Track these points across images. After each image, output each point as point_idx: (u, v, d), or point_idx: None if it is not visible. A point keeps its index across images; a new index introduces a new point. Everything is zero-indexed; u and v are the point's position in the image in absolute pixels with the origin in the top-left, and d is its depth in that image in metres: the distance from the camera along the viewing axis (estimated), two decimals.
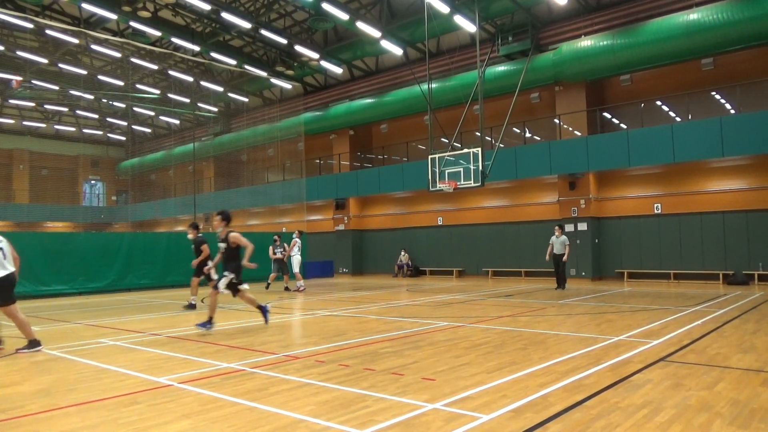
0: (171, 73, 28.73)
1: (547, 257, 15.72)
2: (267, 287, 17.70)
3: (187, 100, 32.31)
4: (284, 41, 24.17)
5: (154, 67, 28.44)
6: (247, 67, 26.52)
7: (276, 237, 17.85)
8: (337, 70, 26.25)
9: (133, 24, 22.31)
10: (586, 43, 19.30)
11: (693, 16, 17.02)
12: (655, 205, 19.35)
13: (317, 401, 4.72)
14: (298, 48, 24.32)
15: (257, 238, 22.81)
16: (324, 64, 25.37)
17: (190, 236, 12.16)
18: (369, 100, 26.07)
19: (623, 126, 21.06)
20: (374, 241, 27.27)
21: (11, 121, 37.80)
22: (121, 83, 30.47)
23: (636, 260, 19.63)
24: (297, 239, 17.63)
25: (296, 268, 17.64)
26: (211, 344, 7.76)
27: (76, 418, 4.43)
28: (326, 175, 28.84)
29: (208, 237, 13.35)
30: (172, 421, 4.27)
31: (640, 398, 4.66)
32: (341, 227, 27.56)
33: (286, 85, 28.69)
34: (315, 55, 24.55)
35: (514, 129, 23.01)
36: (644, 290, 15.59)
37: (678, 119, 19.83)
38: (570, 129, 20.82)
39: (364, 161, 28.31)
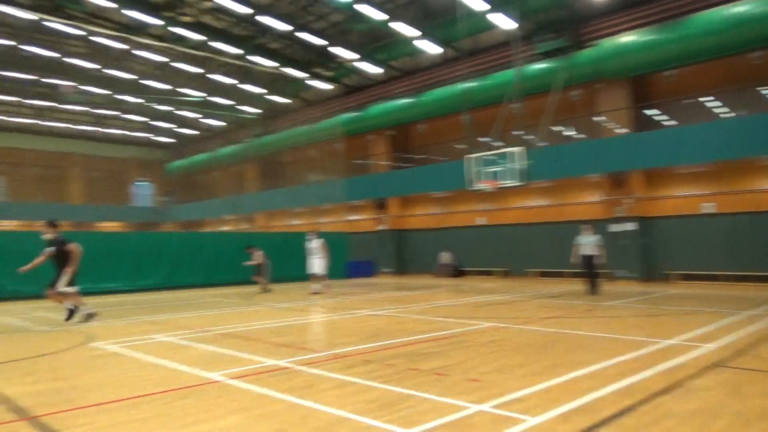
0: (212, 76, 29.42)
1: (572, 259, 14.32)
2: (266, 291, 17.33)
3: (229, 103, 33.05)
4: (322, 43, 24.40)
5: (197, 70, 29.19)
6: (285, 69, 26.90)
7: (247, 248, 17.72)
8: (374, 70, 26.33)
9: (174, 29, 22.94)
10: (627, 38, 18.71)
11: (739, 8, 16.27)
12: (707, 204, 18.61)
13: (362, 399, 4.74)
14: (335, 49, 24.52)
15: (294, 237, 23.34)
16: (361, 64, 25.49)
17: (48, 236, 10.37)
18: (407, 100, 26.04)
19: (669, 122, 20.35)
20: (415, 240, 27.20)
21: (64, 125, 39.53)
22: (165, 87, 31.41)
23: (686, 261, 18.90)
24: (319, 239, 16.43)
25: (318, 269, 16.46)
26: (257, 341, 7.91)
27: (127, 411, 4.59)
28: (365, 175, 28.96)
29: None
30: (221, 417, 4.37)
31: (695, 404, 4.49)
32: (383, 227, 27.61)
33: (325, 86, 28.96)
34: (352, 56, 24.70)
35: (556, 127, 22.53)
36: (696, 292, 15.00)
37: (726, 115, 19.02)
38: (613, 126, 20.25)
39: (403, 161, 28.30)
